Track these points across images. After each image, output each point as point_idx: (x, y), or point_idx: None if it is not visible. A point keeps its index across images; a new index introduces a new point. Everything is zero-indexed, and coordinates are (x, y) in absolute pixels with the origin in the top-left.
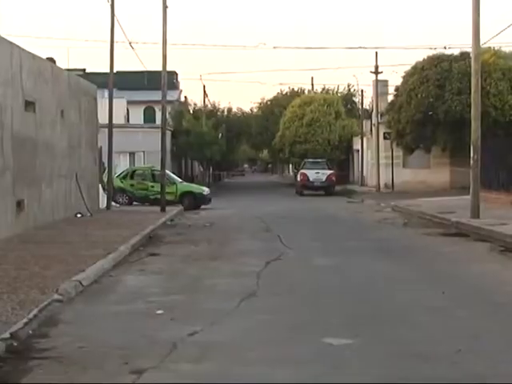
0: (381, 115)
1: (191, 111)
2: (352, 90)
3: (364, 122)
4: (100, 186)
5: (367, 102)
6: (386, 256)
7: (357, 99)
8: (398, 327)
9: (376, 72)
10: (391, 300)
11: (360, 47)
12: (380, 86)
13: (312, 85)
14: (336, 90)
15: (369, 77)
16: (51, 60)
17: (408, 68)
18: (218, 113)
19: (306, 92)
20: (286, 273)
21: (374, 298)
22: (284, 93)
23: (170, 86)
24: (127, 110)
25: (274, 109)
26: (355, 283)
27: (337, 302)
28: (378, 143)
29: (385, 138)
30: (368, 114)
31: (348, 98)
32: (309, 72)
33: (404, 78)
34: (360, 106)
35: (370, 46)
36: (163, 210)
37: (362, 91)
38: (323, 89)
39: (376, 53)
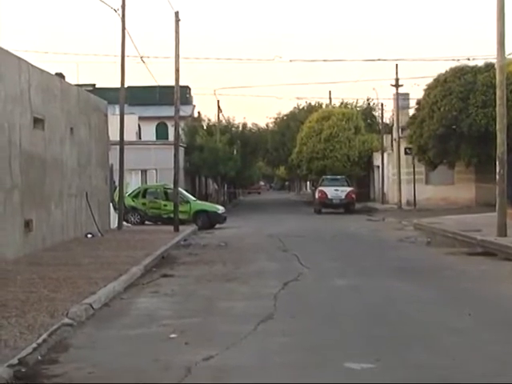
0: (402, 130)
1: (205, 127)
2: (372, 104)
3: (384, 137)
4: (111, 204)
5: (387, 116)
6: (408, 276)
7: (377, 113)
8: (421, 351)
9: (396, 85)
10: (414, 322)
11: (379, 59)
12: (401, 99)
13: (330, 99)
14: (355, 103)
15: (389, 90)
16: (60, 75)
17: (430, 80)
18: (233, 128)
19: (324, 106)
20: (304, 294)
21: (396, 319)
22: (301, 107)
23: (182, 100)
24: (139, 126)
25: (290, 124)
26: (376, 304)
27: (357, 324)
28: (399, 159)
29: (406, 153)
30: (388, 129)
31: (367, 112)
32: (326, 86)
33: (426, 90)
34: (380, 121)
35: (389, 58)
36: (176, 229)
37: (381, 105)
38: (341, 103)
39: (396, 65)
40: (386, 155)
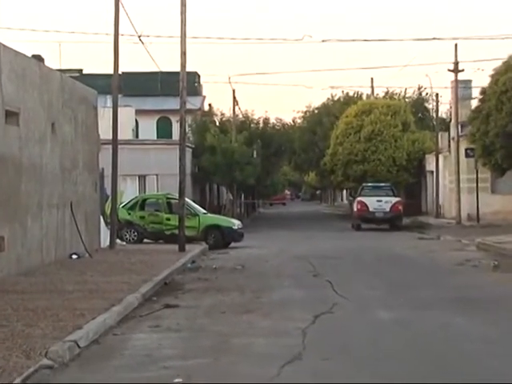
0: (462, 126)
1: (217, 123)
2: (424, 94)
3: (440, 135)
4: (101, 218)
5: (444, 110)
6: (469, 309)
7: (430, 106)
8: None
9: (455, 70)
10: (477, 368)
11: (434, 38)
12: (461, 88)
13: (372, 88)
14: (403, 94)
15: (446, 76)
16: (39, 58)
17: (498, 64)
18: (252, 125)
19: (365, 97)
20: (339, 330)
21: (454, 365)
22: (336, 99)
23: (190, 90)
24: (136, 121)
25: (323, 119)
26: (429, 344)
27: (404, 369)
28: (459, 162)
29: (467, 155)
30: (445, 125)
31: (419, 105)
32: (368, 72)
33: (493, 77)
34: (434, 115)
35: (447, 36)
36: (182, 249)
37: (436, 95)
38: (386, 93)
39: (455, 45)
40: (441, 158)
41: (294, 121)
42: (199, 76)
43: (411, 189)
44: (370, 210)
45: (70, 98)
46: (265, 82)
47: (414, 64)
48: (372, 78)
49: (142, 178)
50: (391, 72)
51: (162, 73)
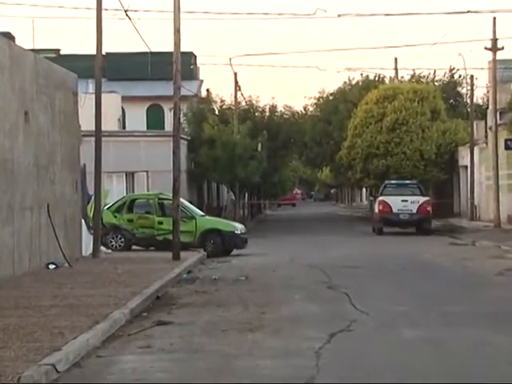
0: (501, 114)
1: (217, 111)
2: (457, 77)
3: (475, 125)
4: (83, 222)
5: (480, 95)
6: (510, 326)
7: (464, 90)
8: None
9: (494, 48)
10: None
11: (469, 11)
12: (500, 69)
13: (396, 70)
14: (432, 76)
15: (483, 56)
16: (9, 36)
17: None
18: (257, 113)
19: (387, 81)
20: (358, 351)
21: None
22: (354, 82)
23: (185, 74)
24: (123, 110)
25: (339, 106)
26: (464, 367)
27: None
28: (497, 155)
29: (507, 147)
30: (482, 113)
31: (450, 89)
32: (391, 51)
33: None
34: (469, 101)
35: (483, 9)
36: (177, 257)
37: (471, 78)
38: (412, 75)
39: (494, 19)
40: (477, 151)
41: (305, 109)
42: (195, 57)
43: (441, 187)
44: (394, 211)
45: (45, 82)
46: (271, 63)
47: (444, 42)
48: (396, 59)
49: (130, 176)
50: (418, 51)
51: (152, 53)
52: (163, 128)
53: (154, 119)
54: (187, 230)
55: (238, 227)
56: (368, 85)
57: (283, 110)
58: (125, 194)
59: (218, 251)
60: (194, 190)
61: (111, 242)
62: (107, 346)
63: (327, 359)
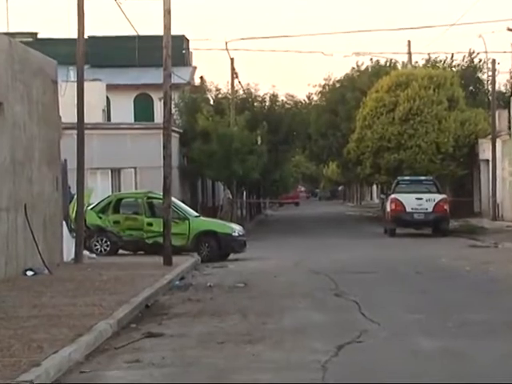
0: None
1: (212, 101)
2: (477, 62)
3: (497, 114)
4: (64, 224)
5: (503, 81)
6: None
7: (485, 76)
8: None
9: None
10: None
11: None
12: None
13: (409, 54)
14: (449, 61)
15: (505, 38)
16: None
17: None
18: (256, 103)
19: (400, 66)
20: (369, 364)
21: None
22: (363, 68)
23: (176, 59)
24: (107, 99)
25: (346, 95)
26: (488, 382)
27: None
28: None
29: None
30: (504, 101)
31: (469, 75)
32: (404, 33)
33: None
34: (490, 88)
35: None
36: (168, 262)
37: (493, 62)
38: (428, 60)
39: None
40: (499, 143)
41: (309, 98)
42: (188, 41)
43: (460, 183)
44: (408, 210)
45: (21, 69)
46: (272, 48)
47: (463, 22)
48: (409, 42)
49: (116, 172)
50: (434, 33)
51: (140, 37)
52: (152, 120)
53: (143, 110)
54: (179, 233)
55: (236, 229)
56: (378, 71)
57: (285, 100)
58: (110, 193)
59: (213, 255)
60: (187, 188)
61: (95, 245)
62: (91, 361)
63: (334, 373)
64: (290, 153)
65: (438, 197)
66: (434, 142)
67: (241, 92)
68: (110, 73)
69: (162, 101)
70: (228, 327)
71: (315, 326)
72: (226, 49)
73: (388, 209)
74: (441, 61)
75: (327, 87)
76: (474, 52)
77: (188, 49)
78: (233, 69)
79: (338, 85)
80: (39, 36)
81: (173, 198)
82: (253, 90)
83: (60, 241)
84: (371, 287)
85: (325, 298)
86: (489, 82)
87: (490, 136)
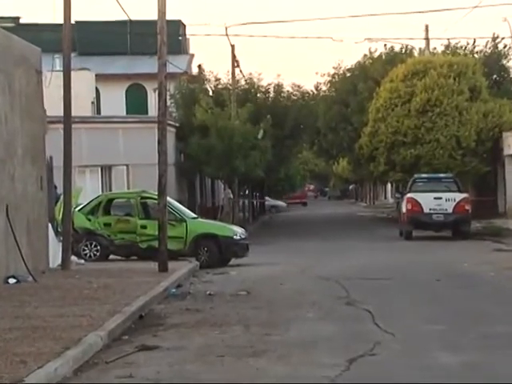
0: None
1: (211, 92)
2: (501, 47)
3: None
4: (50, 227)
5: None
6: None
7: (510, 63)
8: None
9: None
10: None
11: None
12: None
13: (427, 40)
14: (471, 47)
15: None
16: None
17: None
18: (259, 94)
19: (417, 53)
20: (383, 379)
21: None
22: (376, 56)
23: (172, 46)
24: (97, 90)
25: (357, 85)
26: None
27: None
28: None
29: None
30: None
31: (494, 62)
32: (420, 17)
33: None
34: None
35: None
36: (164, 268)
37: None
38: (447, 46)
39: None
40: None
41: (317, 88)
42: (184, 27)
43: (483, 181)
44: (426, 211)
45: (2, 58)
46: (276, 33)
47: (486, 4)
48: (427, 26)
49: (107, 170)
50: (454, 16)
51: (132, 22)
52: (146, 113)
53: (135, 102)
54: (176, 236)
55: (238, 231)
56: (393, 58)
57: (291, 90)
58: (100, 193)
59: (213, 260)
60: (185, 188)
61: (84, 250)
62: (80, 376)
63: None
64: (296, 148)
65: (459, 196)
66: (454, 135)
67: (242, 82)
68: (100, 61)
69: (157, 92)
70: (229, 339)
71: (324, 338)
72: (226, 34)
73: (404, 209)
74: (461, 47)
75: (337, 76)
76: (498, 37)
77: (185, 35)
78: (233, 57)
79: (348, 74)
80: (21, 21)
81: (169, 198)
82: (255, 80)
83: (45, 245)
84: (386, 295)
85: (335, 306)
86: None
87: None
